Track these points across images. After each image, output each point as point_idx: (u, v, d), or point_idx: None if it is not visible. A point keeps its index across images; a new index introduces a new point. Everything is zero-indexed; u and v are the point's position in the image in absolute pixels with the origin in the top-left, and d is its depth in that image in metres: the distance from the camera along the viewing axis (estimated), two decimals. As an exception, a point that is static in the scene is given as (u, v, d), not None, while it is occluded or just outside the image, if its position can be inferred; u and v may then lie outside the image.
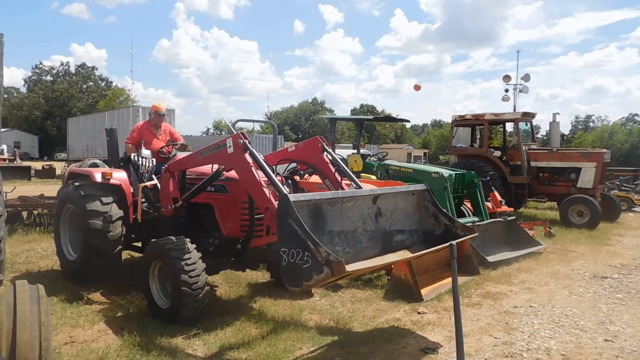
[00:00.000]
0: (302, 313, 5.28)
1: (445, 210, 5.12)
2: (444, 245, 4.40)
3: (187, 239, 4.82)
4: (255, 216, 5.13)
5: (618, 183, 16.42)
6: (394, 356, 4.24)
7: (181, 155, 5.96)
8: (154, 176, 6.13)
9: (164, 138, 7.13)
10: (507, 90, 24.39)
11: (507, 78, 24.72)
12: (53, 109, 66.57)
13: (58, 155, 52.71)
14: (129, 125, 23.89)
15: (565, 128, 49.44)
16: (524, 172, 13.41)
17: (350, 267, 3.60)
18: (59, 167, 30.99)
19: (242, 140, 4.55)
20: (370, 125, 58.54)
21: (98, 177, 5.99)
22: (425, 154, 53.49)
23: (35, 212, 10.10)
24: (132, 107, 28.13)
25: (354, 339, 4.56)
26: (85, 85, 71.61)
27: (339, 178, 5.61)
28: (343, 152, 13.60)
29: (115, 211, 5.79)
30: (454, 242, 3.66)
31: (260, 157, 4.58)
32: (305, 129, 73.52)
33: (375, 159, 11.23)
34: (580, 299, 6.07)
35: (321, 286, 5.60)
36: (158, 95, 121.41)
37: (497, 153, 14.04)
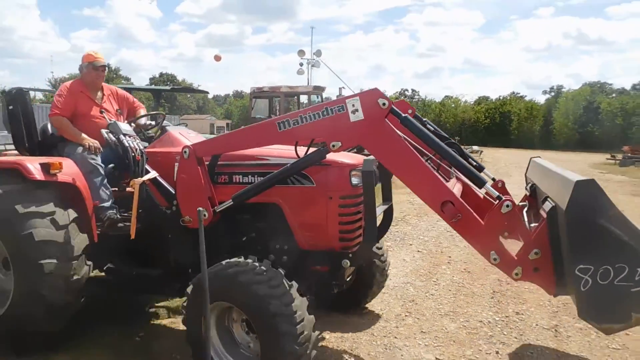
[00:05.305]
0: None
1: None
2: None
3: (281, 270, 3.20)
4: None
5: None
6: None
7: (179, 132, 4.04)
8: (147, 166, 4.09)
9: (111, 107, 4.49)
10: (301, 64, 25.68)
11: (301, 52, 26.03)
12: None
13: None
14: None
15: (353, 101, 54.85)
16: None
17: None
18: None
19: (385, 101, 3.03)
20: (171, 95, 56.18)
21: (36, 173, 3.56)
22: (227, 124, 53.67)
23: None
24: None
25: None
26: None
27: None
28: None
29: (80, 238, 3.62)
30: (201, 208, 3.08)
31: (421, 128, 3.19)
32: (97, 98, 67.14)
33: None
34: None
35: None
36: None
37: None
